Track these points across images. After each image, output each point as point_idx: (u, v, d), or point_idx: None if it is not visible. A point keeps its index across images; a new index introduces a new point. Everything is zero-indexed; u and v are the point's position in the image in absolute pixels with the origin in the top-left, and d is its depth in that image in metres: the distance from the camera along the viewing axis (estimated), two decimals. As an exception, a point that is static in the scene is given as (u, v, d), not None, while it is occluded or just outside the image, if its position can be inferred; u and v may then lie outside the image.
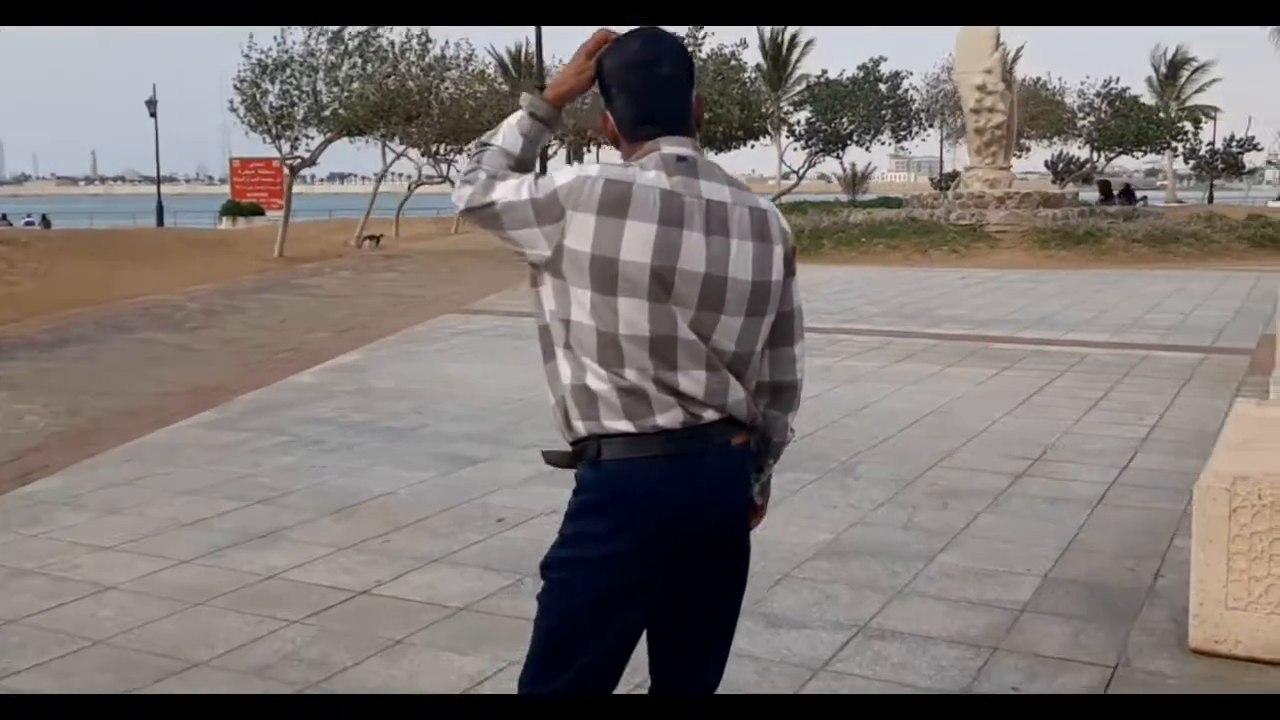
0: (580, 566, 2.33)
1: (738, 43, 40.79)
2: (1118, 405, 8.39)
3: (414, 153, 31.96)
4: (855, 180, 42.05)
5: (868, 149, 39.92)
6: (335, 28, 23.67)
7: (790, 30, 59.28)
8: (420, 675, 3.94)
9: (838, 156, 41.11)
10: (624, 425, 2.29)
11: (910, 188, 65.58)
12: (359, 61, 24.03)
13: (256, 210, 38.13)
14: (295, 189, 26.11)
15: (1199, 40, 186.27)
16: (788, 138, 42.35)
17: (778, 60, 60.70)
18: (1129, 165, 69.12)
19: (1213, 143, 62.45)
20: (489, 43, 75.47)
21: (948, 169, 51.94)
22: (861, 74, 39.63)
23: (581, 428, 2.34)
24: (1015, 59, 26.19)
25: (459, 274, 20.07)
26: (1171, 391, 8.88)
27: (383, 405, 8.60)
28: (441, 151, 31.86)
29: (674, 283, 2.26)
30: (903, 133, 39.93)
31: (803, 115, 40.56)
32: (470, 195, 2.33)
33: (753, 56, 45.54)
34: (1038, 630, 4.28)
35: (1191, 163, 61.24)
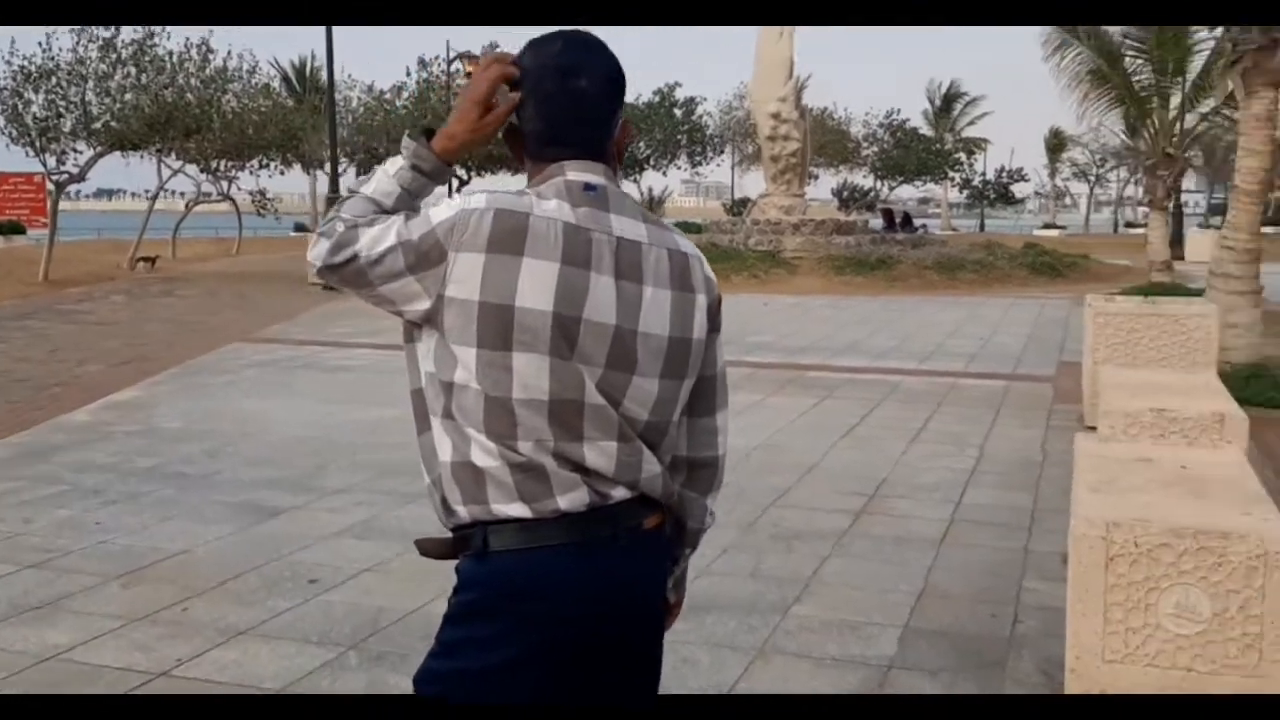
0: (461, 681, 1.89)
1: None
2: (938, 436, 8.39)
3: (192, 169, 30.34)
4: (652, 205, 42.30)
5: (664, 173, 40.30)
6: (108, 33, 22.14)
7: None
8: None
9: (635, 180, 41.33)
10: (517, 509, 1.87)
11: (702, 213, 66.68)
12: (133, 71, 22.55)
13: (17, 229, 35.48)
14: (60, 206, 24.29)
15: (971, 75, 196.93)
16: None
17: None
18: (902, 194, 72.15)
19: (984, 173, 65.92)
20: (272, 54, 72.80)
21: (739, 194, 53.01)
22: (657, 98, 40.02)
23: (464, 512, 1.91)
24: (802, 88, 26.73)
25: (246, 299, 18.99)
26: (986, 421, 8.95)
27: (171, 448, 7.82)
28: (222, 168, 30.36)
29: (579, 335, 1.85)
30: (698, 158, 40.51)
31: (599, 139, 40.68)
32: (328, 249, 1.88)
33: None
34: (909, 687, 4.05)
35: (966, 192, 64.52)
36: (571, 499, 1.88)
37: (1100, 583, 3.83)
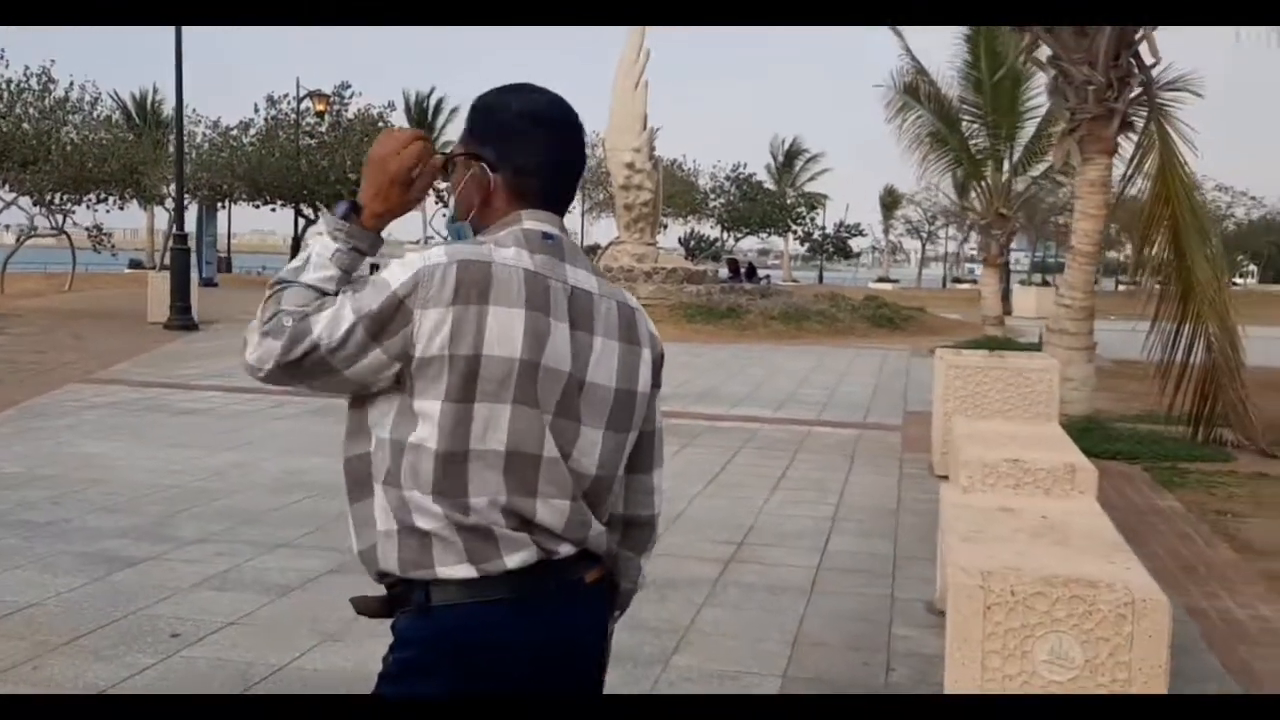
0: None
1: (385, 105, 40.15)
2: (799, 483, 8.56)
3: (25, 201, 29.00)
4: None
5: (515, 219, 40.30)
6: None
7: (437, 95, 59.19)
8: None
9: (485, 225, 41.24)
10: (463, 571, 1.85)
11: (550, 258, 66.71)
12: (-36, 99, 21.54)
13: None
14: None
15: (812, 133, 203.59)
16: (435, 203, 42.13)
17: (423, 124, 60.40)
18: (745, 244, 73.82)
19: (824, 227, 67.92)
20: (113, 87, 70.63)
21: (589, 241, 53.35)
22: (508, 144, 40.11)
23: (399, 572, 1.88)
24: (655, 139, 27.16)
25: (83, 339, 18.18)
26: (842, 469, 9.17)
27: (12, 494, 7.42)
28: (58, 201, 29.12)
29: (539, 382, 1.85)
30: (550, 205, 40.69)
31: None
32: (282, 347, 1.81)
33: (399, 119, 44.96)
34: (792, 738, 4.09)
35: (806, 245, 66.34)
36: (520, 558, 1.86)
37: (978, 631, 3.95)
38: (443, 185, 2.09)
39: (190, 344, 17.97)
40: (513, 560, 1.85)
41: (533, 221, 1.94)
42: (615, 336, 1.96)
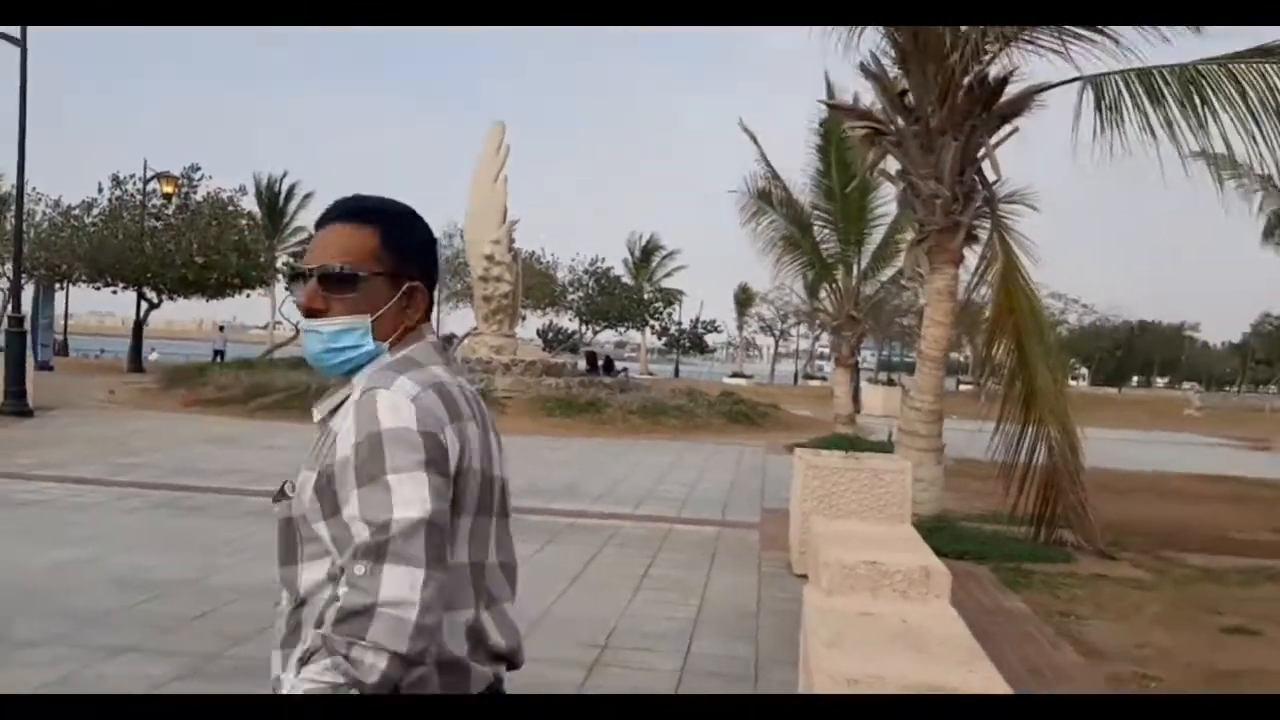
0: None
1: (236, 189, 39.49)
2: (660, 583, 8.58)
3: None
4: (356, 337, 41.80)
5: (370, 308, 39.93)
6: None
7: (289, 181, 58.54)
8: None
9: (339, 313, 40.71)
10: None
11: (405, 347, 65.95)
12: None
13: None
14: None
15: (668, 230, 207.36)
16: (285, 289, 41.42)
17: (274, 209, 59.58)
18: (602, 337, 74.45)
19: (680, 322, 68.99)
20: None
21: (444, 331, 53.08)
22: (365, 233, 39.85)
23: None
24: (514, 231, 27.36)
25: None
26: (703, 568, 9.24)
27: None
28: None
29: (493, 490, 1.96)
30: (405, 294, 40.39)
31: (303, 268, 39.97)
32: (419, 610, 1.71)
33: (249, 203, 44.24)
34: None
35: (664, 339, 67.19)
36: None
37: (843, 739, 4.01)
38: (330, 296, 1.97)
39: (25, 431, 17.19)
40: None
41: (430, 332, 2.01)
42: (492, 428, 2.02)
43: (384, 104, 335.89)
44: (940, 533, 10.63)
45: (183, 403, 23.99)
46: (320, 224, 2.02)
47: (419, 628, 1.68)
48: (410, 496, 1.73)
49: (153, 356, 43.62)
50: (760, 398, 31.25)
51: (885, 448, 15.40)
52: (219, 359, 38.52)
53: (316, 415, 1.96)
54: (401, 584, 1.67)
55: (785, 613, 7.60)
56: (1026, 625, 7.78)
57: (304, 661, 1.71)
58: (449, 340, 37.06)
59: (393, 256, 1.97)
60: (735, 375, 66.39)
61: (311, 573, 1.85)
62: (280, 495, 1.95)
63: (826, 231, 22.79)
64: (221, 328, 49.50)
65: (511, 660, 1.96)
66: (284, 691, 1.74)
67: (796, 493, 9.53)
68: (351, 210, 1.99)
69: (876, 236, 22.97)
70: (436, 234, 2.12)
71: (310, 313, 1.94)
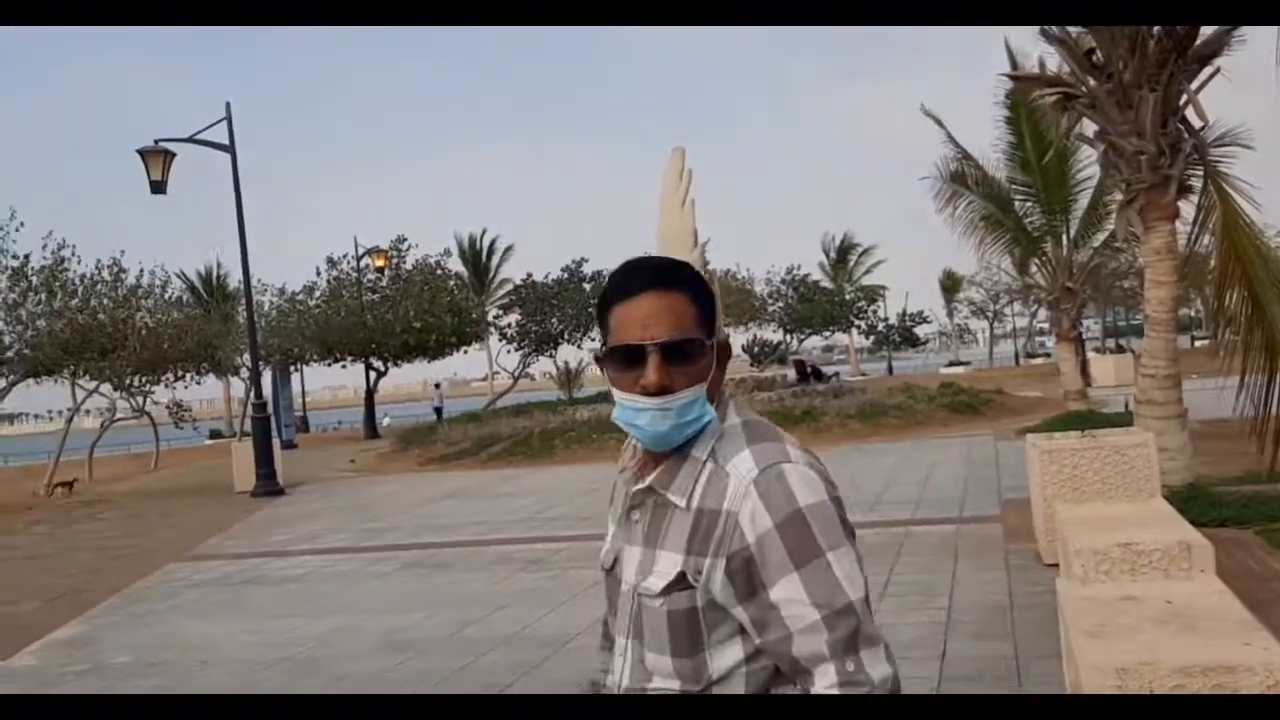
0: None
1: (441, 252, 41.05)
2: (905, 588, 8.41)
3: (106, 388, 29.91)
4: (569, 377, 42.66)
5: (579, 346, 40.71)
6: (16, 262, 22.05)
7: (490, 236, 60.53)
8: None
9: (550, 355, 41.69)
10: None
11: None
12: (44, 296, 22.42)
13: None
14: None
15: (861, 227, 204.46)
16: (499, 341, 42.73)
17: (478, 266, 61.66)
18: (808, 343, 74.02)
19: (886, 318, 67.81)
20: (179, 268, 73.78)
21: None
22: (565, 275, 40.70)
23: None
24: (706, 252, 27.41)
25: (172, 516, 18.53)
26: (947, 568, 9.01)
27: (124, 684, 7.51)
28: (137, 384, 30.02)
29: None
30: (611, 330, 41.02)
31: (512, 318, 41.08)
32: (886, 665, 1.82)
33: (455, 264, 45.93)
34: None
35: (872, 337, 66.19)
36: None
37: (1120, 732, 3.83)
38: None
39: (279, 509, 18.23)
40: None
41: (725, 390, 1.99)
42: None
43: (559, 152, 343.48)
44: (1195, 502, 10.07)
45: (418, 462, 25.01)
46: (626, 295, 1.92)
47: (896, 688, 1.79)
48: (852, 573, 1.79)
49: (386, 421, 45.77)
50: (982, 384, 30.34)
51: (1123, 420, 14.71)
52: (439, 415, 40.02)
53: (634, 486, 1.95)
54: (882, 664, 1.78)
55: (1040, 605, 7.34)
56: (1306, 590, 7.26)
57: None
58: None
59: (707, 318, 1.93)
60: (952, 364, 64.77)
61: (723, 658, 1.85)
62: (674, 587, 1.87)
63: (1029, 205, 21.99)
64: (437, 385, 51.44)
65: None
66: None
67: (1035, 480, 9.19)
68: (664, 277, 1.92)
69: (1083, 202, 22.02)
70: None
71: (655, 390, 1.87)
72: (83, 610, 10.52)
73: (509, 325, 41.49)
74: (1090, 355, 38.23)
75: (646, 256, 2.01)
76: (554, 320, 39.90)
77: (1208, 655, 3.95)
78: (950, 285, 75.86)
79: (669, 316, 1.88)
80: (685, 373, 1.88)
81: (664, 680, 1.88)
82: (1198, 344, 46.15)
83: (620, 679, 1.94)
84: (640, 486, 1.92)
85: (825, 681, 1.75)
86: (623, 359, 1.91)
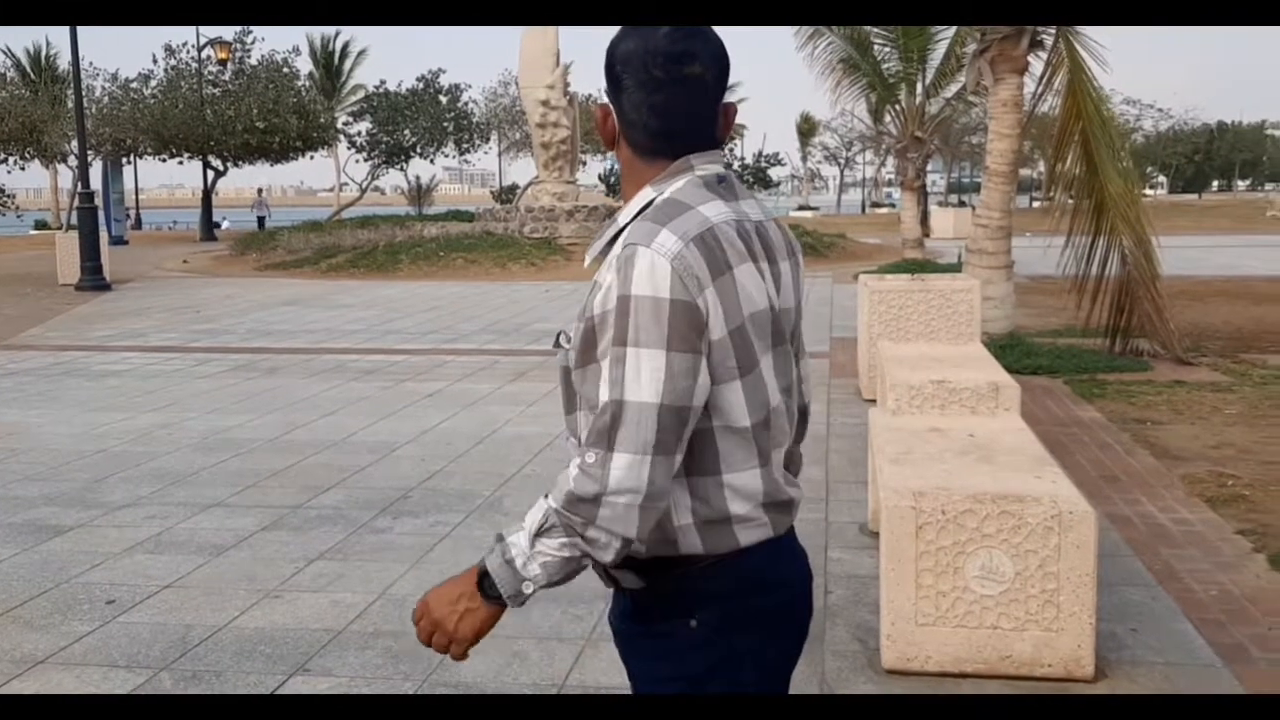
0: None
1: (290, 49, 39.15)
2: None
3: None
4: (420, 193, 41.77)
5: (431, 161, 39.76)
6: None
7: (342, 38, 57.84)
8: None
9: (401, 169, 40.63)
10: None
11: (469, 200, 66.04)
12: None
13: None
14: None
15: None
16: (348, 149, 41.39)
17: (330, 69, 59.05)
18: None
19: (742, 157, 67.92)
20: (4, 44, 68.53)
21: (508, 181, 52.90)
22: (421, 85, 39.40)
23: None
24: (569, 75, 26.85)
25: (-10, 303, 17.68)
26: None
27: (-73, 469, 7.23)
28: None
29: (782, 326, 1.92)
30: (465, 145, 40.09)
31: (363, 127, 39.77)
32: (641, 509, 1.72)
33: (304, 65, 43.93)
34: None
35: (726, 175, 66.19)
36: (794, 492, 1.98)
37: (911, 550, 4.04)
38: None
39: (104, 305, 17.57)
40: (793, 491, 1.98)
41: (704, 166, 1.88)
42: (787, 256, 1.97)
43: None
44: (1012, 350, 10.53)
45: (255, 267, 24.33)
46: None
47: (645, 512, 1.71)
48: (647, 379, 1.70)
49: (225, 225, 44.09)
50: (826, 228, 30.84)
51: (954, 270, 15.18)
52: (261, 225, 38.70)
53: (588, 260, 1.93)
54: (629, 473, 1.69)
55: (855, 436, 7.62)
56: (1101, 434, 7.72)
57: (538, 533, 1.76)
58: (513, 188, 36.87)
59: (612, 73, 1.89)
60: (802, 208, 65.54)
61: (583, 423, 1.85)
62: (556, 344, 1.92)
63: (887, 50, 22.03)
64: (260, 191, 48.78)
65: (793, 505, 1.97)
66: (512, 556, 1.77)
67: (863, 319, 9.44)
68: None
69: (939, 52, 22.16)
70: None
71: None
72: (-117, 393, 10.04)
73: (359, 134, 40.16)
74: (933, 209, 39.13)
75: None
76: (406, 132, 38.75)
77: (999, 485, 4.15)
78: (806, 130, 76.10)
79: None
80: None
81: (570, 440, 1.92)
82: (1035, 205, 47.69)
83: None
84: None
85: (572, 465, 1.75)
86: None
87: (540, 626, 4.51)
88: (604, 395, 1.72)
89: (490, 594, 1.80)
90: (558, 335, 1.92)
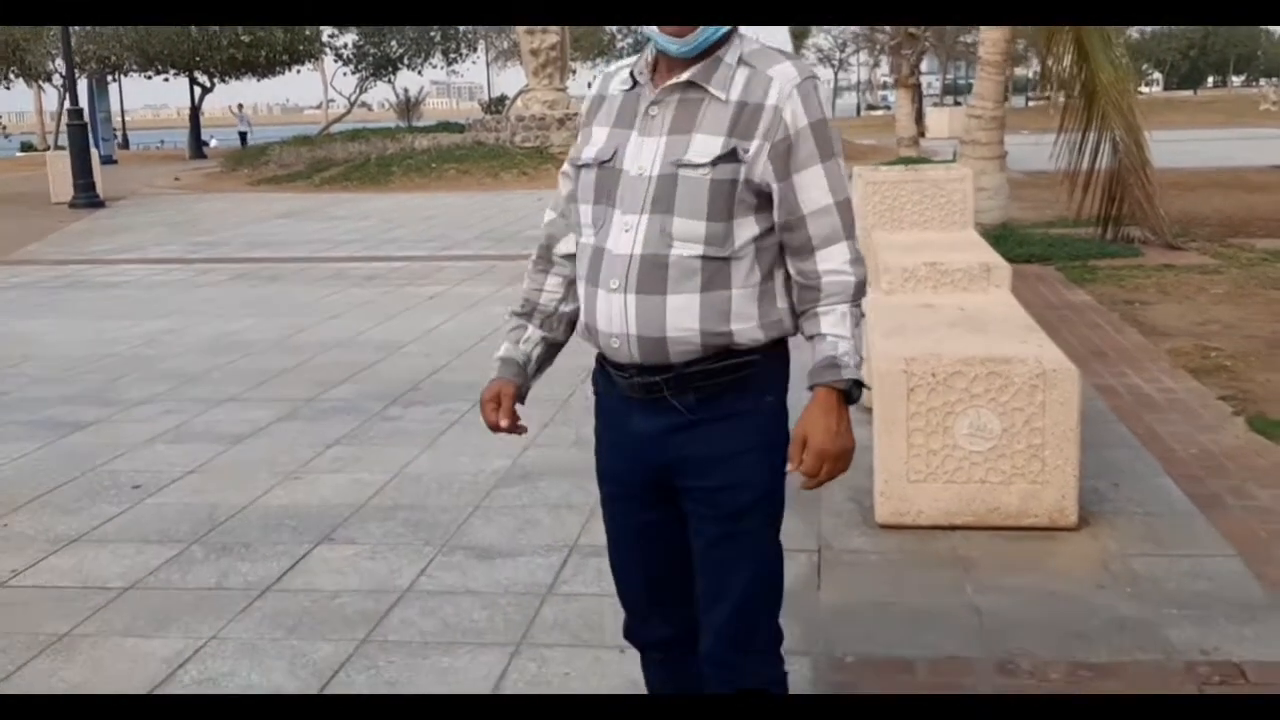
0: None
1: (273, -39, 38.45)
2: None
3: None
4: (409, 107, 41.41)
5: (420, 73, 39.39)
6: None
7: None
8: (105, 666, 3.41)
9: (389, 81, 40.28)
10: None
11: (458, 114, 65.35)
12: None
13: None
14: None
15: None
16: (335, 62, 40.97)
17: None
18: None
19: (734, 62, 67.40)
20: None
21: (497, 92, 52.34)
22: (407, -5, 38.91)
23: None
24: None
25: (-14, 222, 17.72)
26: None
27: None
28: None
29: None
30: (453, 55, 39.63)
31: (349, 39, 39.30)
32: None
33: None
34: (738, 526, 4.36)
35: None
36: None
37: (902, 412, 4.23)
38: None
39: (99, 221, 17.61)
40: None
41: None
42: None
43: None
44: (1005, 240, 10.65)
45: (248, 182, 24.27)
46: None
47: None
48: (846, 181, 2.16)
49: (213, 143, 43.79)
50: (821, 130, 30.60)
51: (949, 165, 15.22)
52: (243, 141, 38.33)
53: (665, 83, 2.12)
54: (862, 255, 2.20)
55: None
56: (1091, 315, 7.90)
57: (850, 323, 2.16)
58: (502, 98, 36.50)
59: None
60: (795, 112, 64.80)
61: (743, 230, 2.13)
62: (724, 159, 2.09)
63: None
64: (239, 106, 48.02)
65: None
66: (854, 363, 2.15)
67: (857, 209, 9.53)
68: None
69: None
70: None
71: None
72: (-108, 308, 10.17)
73: (345, 46, 39.70)
74: (929, 108, 38.91)
75: None
76: (393, 43, 38.32)
77: (987, 349, 4.33)
78: (799, 31, 75.15)
79: None
80: None
81: (686, 245, 2.11)
82: (1031, 104, 47.38)
83: (632, 247, 2.13)
84: (675, 81, 2.12)
85: (840, 257, 2.13)
86: None
87: (549, 495, 4.72)
88: (828, 198, 2.11)
89: (853, 398, 2.16)
90: (726, 151, 2.09)
